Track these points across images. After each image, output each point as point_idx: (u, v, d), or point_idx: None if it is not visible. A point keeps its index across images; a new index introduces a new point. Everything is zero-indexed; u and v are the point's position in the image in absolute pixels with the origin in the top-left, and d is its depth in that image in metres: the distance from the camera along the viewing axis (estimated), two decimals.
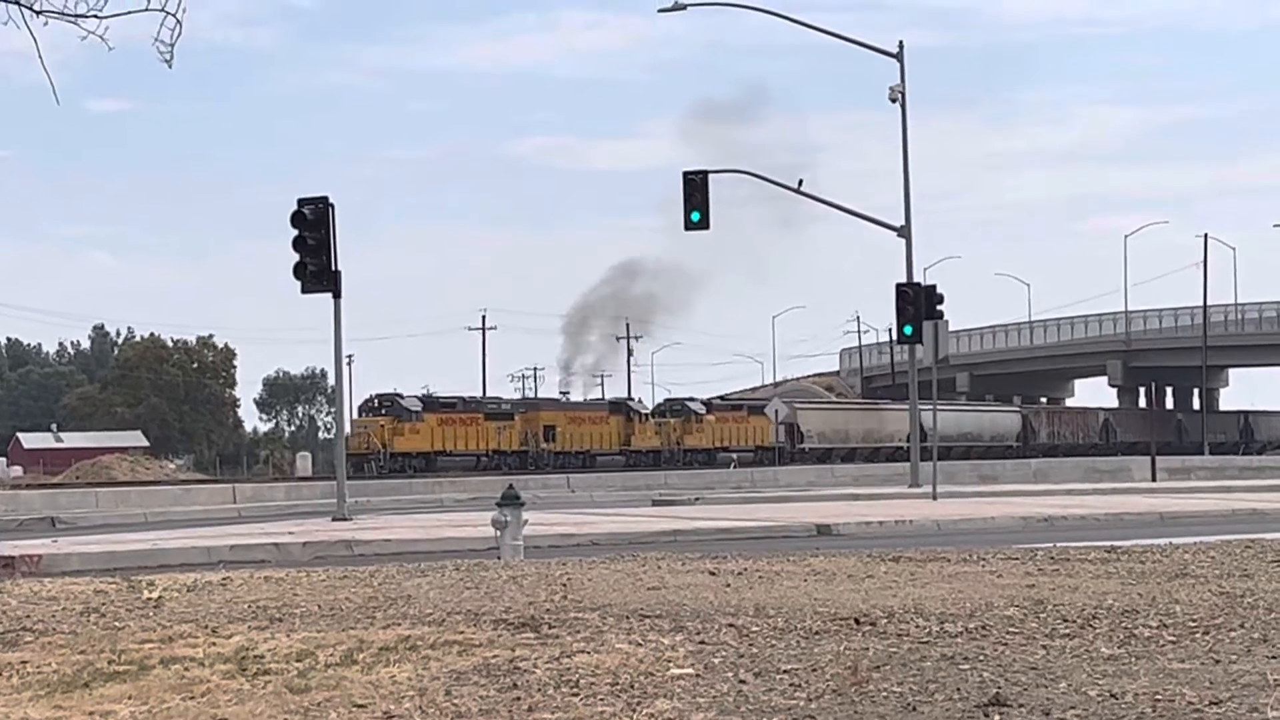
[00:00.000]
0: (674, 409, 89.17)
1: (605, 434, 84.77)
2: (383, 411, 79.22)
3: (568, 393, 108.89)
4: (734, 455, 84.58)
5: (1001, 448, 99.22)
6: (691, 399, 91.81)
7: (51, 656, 10.47)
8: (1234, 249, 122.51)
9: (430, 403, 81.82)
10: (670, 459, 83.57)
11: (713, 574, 15.42)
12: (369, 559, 21.53)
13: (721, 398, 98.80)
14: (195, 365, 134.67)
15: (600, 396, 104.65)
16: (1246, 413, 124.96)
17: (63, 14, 11.46)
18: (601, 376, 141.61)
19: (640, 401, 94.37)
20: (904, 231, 49.27)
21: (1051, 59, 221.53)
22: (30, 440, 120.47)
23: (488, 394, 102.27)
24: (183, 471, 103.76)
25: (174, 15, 11.31)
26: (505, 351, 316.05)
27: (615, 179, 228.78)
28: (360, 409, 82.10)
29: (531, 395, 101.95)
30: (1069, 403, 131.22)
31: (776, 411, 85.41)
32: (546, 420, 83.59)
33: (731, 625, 11.16)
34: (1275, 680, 8.72)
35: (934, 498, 40.15)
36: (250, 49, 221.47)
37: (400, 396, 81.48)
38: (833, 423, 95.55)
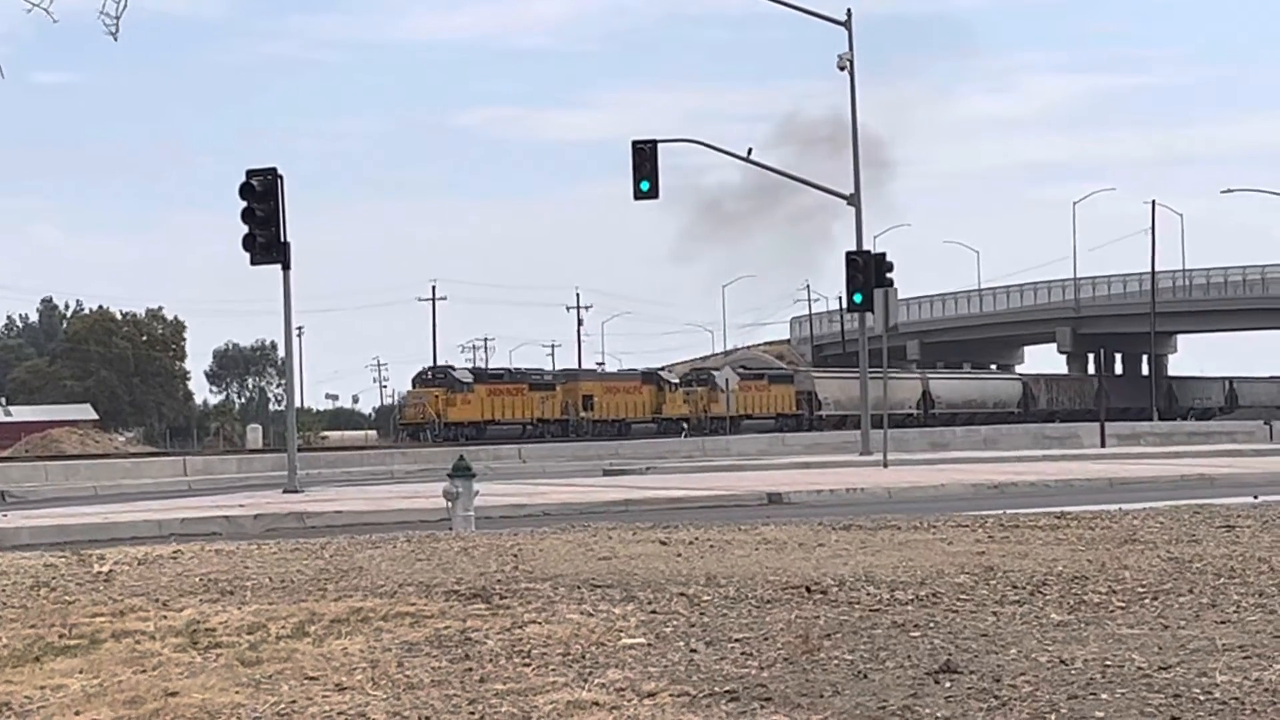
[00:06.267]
0: (700, 379, 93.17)
1: (639, 403, 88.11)
2: (436, 383, 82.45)
3: (603, 364, 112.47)
4: (685, 424, 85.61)
5: (1004, 414, 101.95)
6: (718, 369, 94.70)
7: (1, 631, 10.42)
8: (1181, 216, 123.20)
9: (480, 374, 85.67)
10: (697, 426, 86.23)
11: (664, 543, 15.43)
12: (320, 531, 21.50)
13: (744, 367, 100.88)
14: (144, 338, 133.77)
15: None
16: (1231, 379, 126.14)
17: None
18: (553, 346, 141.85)
19: (669, 371, 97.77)
20: (853, 200, 49.36)
21: (999, 26, 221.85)
22: None
23: (438, 364, 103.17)
24: (133, 445, 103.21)
25: None
26: (455, 322, 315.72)
27: (564, 149, 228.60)
28: (414, 380, 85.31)
29: (571, 367, 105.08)
30: (1018, 369, 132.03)
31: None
32: (585, 390, 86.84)
33: (683, 594, 11.17)
34: (1224, 645, 8.78)
35: (885, 465, 40.26)
36: (196, 20, 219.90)
37: (452, 369, 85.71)
38: (849, 391, 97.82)
